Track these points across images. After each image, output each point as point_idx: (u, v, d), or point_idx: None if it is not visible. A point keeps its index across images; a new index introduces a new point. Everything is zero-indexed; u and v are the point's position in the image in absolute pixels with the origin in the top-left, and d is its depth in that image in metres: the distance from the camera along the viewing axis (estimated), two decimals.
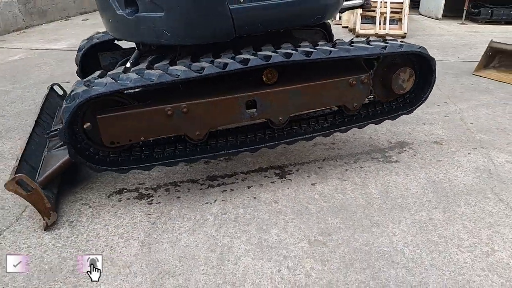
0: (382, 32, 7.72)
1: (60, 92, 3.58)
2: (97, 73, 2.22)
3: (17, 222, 2.30)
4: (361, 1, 2.90)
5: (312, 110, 2.65)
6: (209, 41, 2.25)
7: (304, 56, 2.25)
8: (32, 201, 2.13)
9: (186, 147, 2.44)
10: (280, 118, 2.49)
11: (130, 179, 2.76)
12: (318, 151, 3.15)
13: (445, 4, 9.98)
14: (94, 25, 9.18)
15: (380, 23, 7.81)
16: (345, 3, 2.82)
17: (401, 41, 2.67)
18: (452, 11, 10.09)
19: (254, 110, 2.41)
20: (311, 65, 2.45)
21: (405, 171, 2.88)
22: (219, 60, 2.19)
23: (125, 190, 2.63)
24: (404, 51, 2.50)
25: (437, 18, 10.19)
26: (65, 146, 2.50)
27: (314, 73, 2.52)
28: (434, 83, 2.70)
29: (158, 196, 2.58)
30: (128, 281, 1.90)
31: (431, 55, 2.59)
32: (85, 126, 2.16)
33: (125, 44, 3.32)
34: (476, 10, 9.49)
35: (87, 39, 3.37)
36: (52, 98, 3.40)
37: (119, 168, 2.30)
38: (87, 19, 10.15)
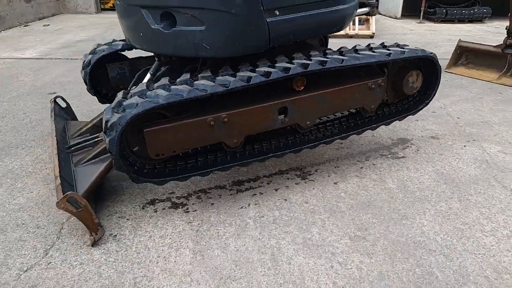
0: (351, 32, 8.05)
1: (63, 105, 3.49)
2: (120, 94, 2.22)
3: (60, 240, 2.27)
4: (368, 9, 3.09)
5: (335, 113, 2.80)
6: (244, 53, 2.33)
7: (337, 63, 2.40)
8: (82, 217, 2.12)
9: (218, 156, 2.51)
10: (308, 123, 2.62)
11: (158, 189, 2.78)
12: (329, 152, 3.32)
13: (403, 4, 10.55)
14: (58, 32, 8.89)
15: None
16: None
17: (403, 45, 2.88)
18: (409, 10, 10.71)
19: (284, 115, 2.53)
20: (332, 71, 2.59)
21: (414, 165, 3.11)
22: (261, 69, 2.29)
23: (157, 201, 2.66)
24: (419, 56, 2.71)
25: (396, 18, 10.75)
26: (93, 160, 2.52)
27: (334, 79, 2.68)
28: (439, 83, 2.94)
29: (192, 204, 2.63)
30: None
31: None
32: (134, 150, 2.20)
33: (128, 53, 3.33)
34: (431, 10, 10.12)
35: (90, 53, 3.28)
36: (58, 112, 3.32)
37: (160, 179, 2.34)
38: (48, 25, 9.76)
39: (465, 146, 3.43)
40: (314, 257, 2.17)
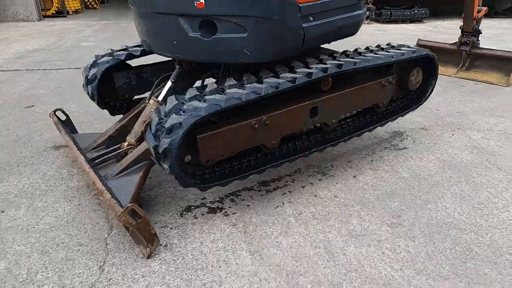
0: None
1: (63, 118, 3.33)
2: (169, 104, 2.20)
3: (110, 256, 2.21)
4: (368, 13, 3.31)
5: (354, 111, 2.98)
6: (281, 57, 2.42)
7: (367, 63, 2.57)
8: (140, 229, 2.08)
9: (253, 160, 2.58)
10: (334, 121, 2.77)
11: (188, 196, 2.78)
12: (337, 148, 3.48)
13: None
14: (3, 41, 8.32)
15: None
16: None
17: (407, 46, 3.14)
18: None
19: (314, 115, 2.65)
20: (349, 72, 2.76)
21: (416, 155, 3.37)
22: (302, 70, 2.40)
23: (192, 207, 2.66)
24: (423, 55, 2.97)
25: None
26: (125, 172, 2.48)
27: (350, 79, 2.85)
28: (436, 80, 3.23)
29: (228, 207, 2.66)
30: (264, 287, 2.01)
31: None
32: (186, 160, 2.21)
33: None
34: (378, 11, 10.79)
35: (93, 66, 3.12)
36: (63, 125, 3.18)
37: (207, 185, 2.36)
38: None
39: (453, 134, 3.78)
40: (364, 246, 2.31)
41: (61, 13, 11.93)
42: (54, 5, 11.86)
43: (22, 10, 10.89)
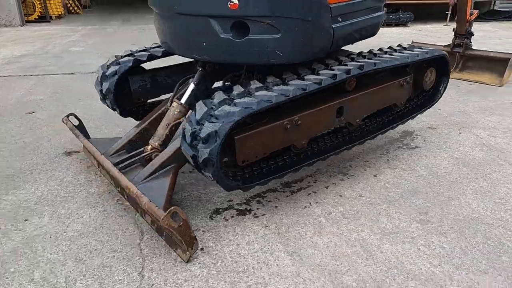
0: None
1: (76, 123, 3.25)
2: (200, 110, 2.18)
3: (147, 261, 2.16)
4: None
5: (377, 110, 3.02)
6: (311, 58, 2.44)
7: (385, 64, 2.62)
8: (182, 232, 2.04)
9: (286, 159, 2.59)
10: (357, 120, 2.80)
11: (213, 199, 2.75)
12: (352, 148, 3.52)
13: None
14: None
15: None
16: None
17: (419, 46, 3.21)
18: None
19: (340, 115, 2.68)
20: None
21: (429, 153, 3.44)
22: (331, 72, 2.42)
23: (220, 210, 2.63)
24: (437, 55, 3.04)
25: None
26: (154, 176, 2.45)
27: (371, 79, 2.89)
28: (448, 79, 3.31)
29: (257, 209, 2.65)
30: (310, 287, 2.01)
31: None
32: (224, 160, 2.20)
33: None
34: None
35: (111, 65, 3.07)
36: (77, 130, 3.10)
37: (249, 185, 2.35)
38: None
39: (460, 133, 3.87)
40: (398, 243, 2.33)
41: (44, 18, 11.64)
42: (36, 10, 11.57)
43: (4, 15, 10.59)
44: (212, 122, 2.06)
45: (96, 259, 2.17)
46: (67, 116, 3.22)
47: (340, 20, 2.41)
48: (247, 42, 2.27)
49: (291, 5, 2.18)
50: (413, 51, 2.99)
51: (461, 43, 5.77)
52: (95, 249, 2.24)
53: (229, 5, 2.18)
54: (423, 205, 2.70)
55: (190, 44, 2.47)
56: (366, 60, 2.73)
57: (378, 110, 3.07)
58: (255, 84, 2.35)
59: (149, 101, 3.39)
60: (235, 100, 2.19)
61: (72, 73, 6.14)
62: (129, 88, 3.16)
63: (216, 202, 2.72)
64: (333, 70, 2.51)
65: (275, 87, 2.31)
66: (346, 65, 2.56)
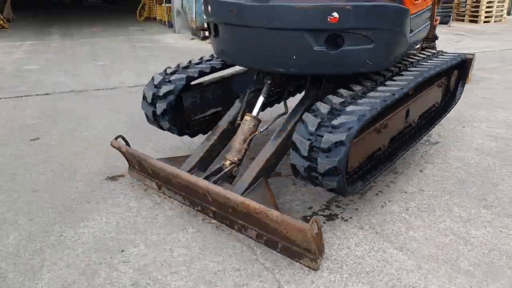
0: None
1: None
2: (313, 122, 2.27)
3: (277, 274, 2.16)
4: None
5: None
6: (391, 65, 2.63)
7: (434, 70, 2.91)
8: (317, 241, 2.09)
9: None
10: (415, 120, 3.04)
11: (293, 208, 2.81)
12: None
13: None
14: None
15: None
16: None
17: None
18: None
19: (407, 117, 2.91)
20: None
21: (452, 146, 3.80)
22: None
23: (307, 217, 2.69)
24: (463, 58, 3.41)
25: None
26: (248, 191, 2.47)
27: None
28: (466, 79, 3.71)
29: (340, 213, 2.76)
30: (437, 275, 2.17)
31: None
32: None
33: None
34: None
35: (158, 95, 2.93)
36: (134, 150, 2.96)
37: (358, 189, 2.48)
38: None
39: (463, 127, 4.32)
40: (481, 228, 2.59)
41: None
42: None
43: None
44: (333, 133, 2.14)
45: (226, 280, 2.13)
46: (116, 138, 3.05)
47: (413, 30, 2.63)
48: (341, 53, 2.39)
49: (385, 17, 2.34)
50: (448, 54, 3.32)
51: (429, 46, 6.38)
52: (218, 270, 2.20)
53: (328, 19, 2.29)
54: (477, 193, 3.00)
55: (276, 57, 2.51)
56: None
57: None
58: (344, 93, 2.46)
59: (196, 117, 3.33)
60: (345, 109, 2.28)
61: (47, 94, 5.72)
62: (182, 106, 3.09)
63: (298, 210, 2.78)
64: (402, 75, 2.71)
65: (371, 94, 2.45)
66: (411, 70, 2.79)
